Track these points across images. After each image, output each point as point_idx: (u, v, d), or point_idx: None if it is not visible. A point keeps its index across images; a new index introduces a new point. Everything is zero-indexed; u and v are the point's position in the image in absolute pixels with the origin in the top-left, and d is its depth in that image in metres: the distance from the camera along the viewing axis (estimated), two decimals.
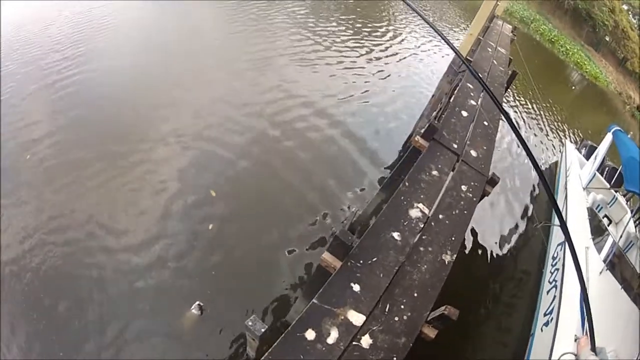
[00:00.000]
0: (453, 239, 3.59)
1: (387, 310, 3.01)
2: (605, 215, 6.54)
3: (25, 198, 5.55)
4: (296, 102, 8.22)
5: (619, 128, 7.41)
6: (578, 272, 1.53)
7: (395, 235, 3.38)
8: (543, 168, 9.80)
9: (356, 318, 2.90)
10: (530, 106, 12.88)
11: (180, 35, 9.97)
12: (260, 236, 5.41)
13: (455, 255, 3.48)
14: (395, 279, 3.15)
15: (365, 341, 2.85)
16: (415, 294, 3.15)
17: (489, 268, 6.21)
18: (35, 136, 6.51)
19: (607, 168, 7.92)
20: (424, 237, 3.50)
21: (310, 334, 2.76)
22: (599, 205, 6.57)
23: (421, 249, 3.41)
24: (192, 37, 9.99)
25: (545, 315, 5.00)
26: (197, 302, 4.50)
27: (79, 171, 5.93)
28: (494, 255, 6.43)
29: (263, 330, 2.85)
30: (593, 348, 1.38)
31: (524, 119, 11.86)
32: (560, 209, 6.94)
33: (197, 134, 6.85)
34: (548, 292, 5.38)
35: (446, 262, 3.41)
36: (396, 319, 2.99)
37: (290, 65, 9.61)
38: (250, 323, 2.84)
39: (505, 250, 6.62)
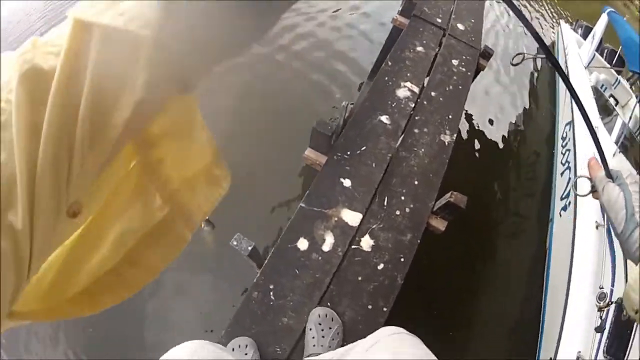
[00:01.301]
0: (450, 117, 3.09)
1: (385, 204, 2.57)
2: (612, 95, 6.03)
3: None
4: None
5: (612, 10, 6.68)
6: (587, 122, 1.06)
7: (384, 119, 2.86)
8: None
9: (351, 217, 2.47)
10: None
11: None
12: (266, 150, 4.71)
13: (455, 135, 3.00)
14: (390, 168, 2.69)
15: (366, 243, 2.44)
16: (416, 182, 2.70)
17: (494, 154, 5.75)
18: None
19: (605, 50, 7.30)
20: (416, 117, 2.99)
21: (302, 244, 2.34)
22: (603, 85, 6.04)
23: (415, 130, 2.91)
24: None
25: (562, 199, 4.67)
26: None
27: None
28: (498, 139, 5.94)
29: (250, 248, 2.42)
30: (608, 174, 1.02)
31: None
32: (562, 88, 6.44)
33: None
34: (562, 174, 5.02)
35: (446, 143, 2.93)
36: (397, 212, 2.57)
37: None
38: (235, 243, 2.41)
39: (509, 134, 6.12)
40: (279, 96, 5.47)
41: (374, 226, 2.49)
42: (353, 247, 2.41)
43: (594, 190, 1.11)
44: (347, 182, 2.54)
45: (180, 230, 0.42)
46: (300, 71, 5.88)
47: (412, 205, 2.60)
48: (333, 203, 2.47)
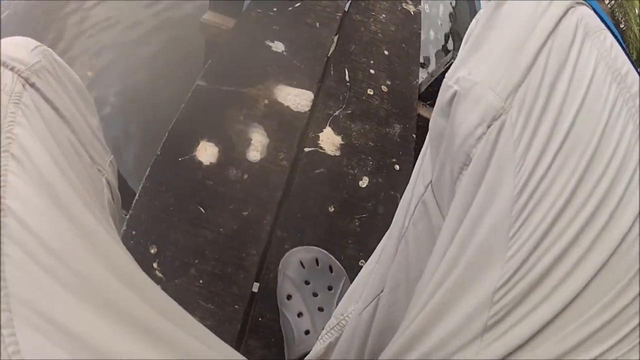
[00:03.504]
0: None
1: (347, 78, 1.52)
2: None
3: None
4: None
5: None
6: None
7: None
8: None
9: (295, 98, 1.37)
10: None
11: None
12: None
13: (420, 7, 2.10)
14: (343, 31, 1.67)
15: (329, 141, 1.35)
16: (386, 52, 1.70)
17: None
18: None
19: None
20: None
21: (205, 152, 1.16)
22: None
23: None
24: None
25: None
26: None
27: None
28: None
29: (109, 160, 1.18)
30: None
31: None
32: None
33: None
34: None
35: (412, 13, 2.01)
36: (370, 92, 1.53)
37: None
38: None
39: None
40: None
41: (336, 112, 1.41)
42: (307, 149, 1.30)
43: None
44: (278, 46, 1.45)
45: None
46: None
47: (389, 82, 1.58)
48: (258, 77, 1.35)
